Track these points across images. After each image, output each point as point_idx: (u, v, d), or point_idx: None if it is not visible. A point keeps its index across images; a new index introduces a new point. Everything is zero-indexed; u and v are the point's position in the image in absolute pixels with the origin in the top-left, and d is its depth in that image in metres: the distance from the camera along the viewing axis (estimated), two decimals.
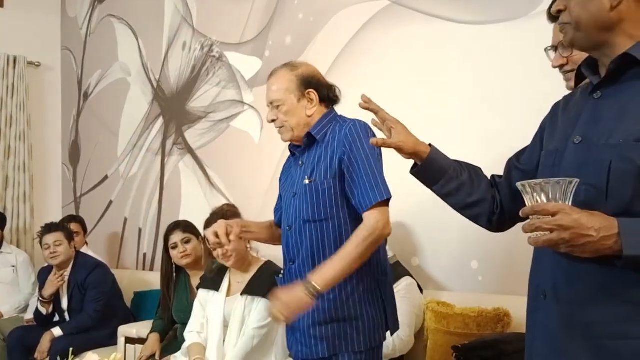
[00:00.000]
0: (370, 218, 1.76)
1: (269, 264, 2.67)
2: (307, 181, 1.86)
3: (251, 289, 2.56)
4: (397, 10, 3.03)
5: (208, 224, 2.67)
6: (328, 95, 1.93)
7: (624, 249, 1.04)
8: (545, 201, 1.08)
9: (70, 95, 4.97)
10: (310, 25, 3.41)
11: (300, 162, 1.94)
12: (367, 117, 3.16)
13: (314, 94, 1.90)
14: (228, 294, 2.64)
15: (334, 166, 1.82)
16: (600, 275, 1.11)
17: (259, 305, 2.52)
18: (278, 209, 2.13)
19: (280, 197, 2.11)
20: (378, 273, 1.87)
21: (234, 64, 3.81)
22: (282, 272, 2.34)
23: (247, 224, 2.14)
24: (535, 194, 1.09)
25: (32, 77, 4.78)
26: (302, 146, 1.94)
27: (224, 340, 2.56)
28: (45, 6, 4.96)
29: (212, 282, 2.71)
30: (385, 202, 1.79)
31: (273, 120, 1.94)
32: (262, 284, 2.55)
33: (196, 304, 2.74)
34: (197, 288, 2.81)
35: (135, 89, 4.45)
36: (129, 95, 4.50)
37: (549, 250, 1.16)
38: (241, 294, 2.57)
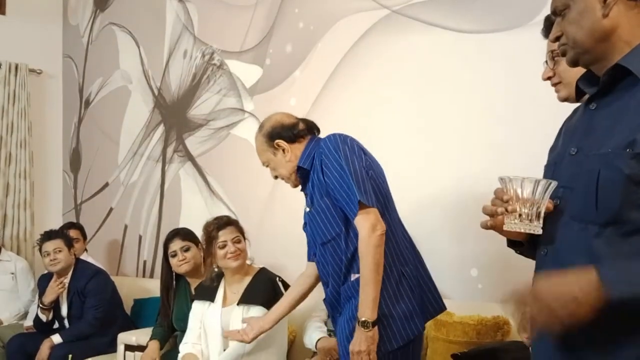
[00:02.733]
0: (359, 228, 1.83)
1: (263, 272, 2.68)
2: (308, 209, 2.01)
3: (247, 298, 2.56)
4: (397, 19, 3.05)
5: (207, 237, 2.66)
6: (294, 134, 2.04)
7: (611, 293, 0.97)
8: (519, 193, 1.15)
9: (72, 103, 4.99)
10: (311, 34, 3.43)
11: (306, 194, 2.06)
12: (365, 122, 3.17)
13: (282, 142, 2.04)
14: (224, 304, 2.63)
15: (323, 186, 1.92)
16: None
17: (252, 311, 2.51)
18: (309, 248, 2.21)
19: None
20: (397, 265, 1.91)
21: (234, 72, 3.82)
22: (277, 277, 2.61)
23: (276, 317, 2.28)
24: (510, 186, 1.17)
25: (33, 85, 4.79)
26: (302, 181, 2.07)
27: (225, 351, 2.55)
28: (46, 14, 4.98)
29: (207, 293, 2.70)
30: (366, 205, 1.83)
31: (276, 177, 2.12)
32: (257, 292, 2.56)
33: (192, 316, 2.73)
34: (192, 300, 2.80)
35: (136, 97, 4.47)
36: (129, 102, 4.52)
37: (548, 263, 1.20)
38: (237, 304, 2.56)
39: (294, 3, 3.52)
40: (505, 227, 1.19)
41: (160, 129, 4.28)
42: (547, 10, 2.52)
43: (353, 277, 1.90)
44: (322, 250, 1.96)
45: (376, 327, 1.81)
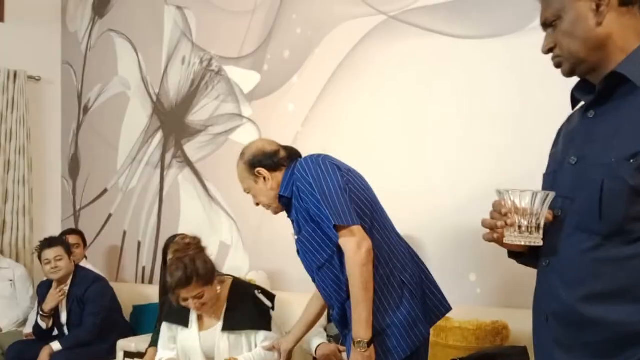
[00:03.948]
0: (344, 249, 1.81)
1: (237, 287, 2.55)
2: (297, 237, 1.98)
3: (231, 324, 2.46)
4: (394, 25, 3.06)
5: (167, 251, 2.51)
6: (275, 162, 2.03)
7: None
8: (517, 205, 1.15)
9: (70, 109, 4.99)
10: (308, 40, 3.44)
11: (292, 221, 2.04)
12: (363, 127, 3.17)
13: (262, 170, 2.03)
14: (201, 329, 2.50)
15: (305, 211, 1.90)
16: (596, 302, 1.13)
17: (241, 337, 2.46)
18: None
19: None
20: (396, 273, 1.89)
21: (232, 78, 3.83)
22: (256, 290, 2.57)
23: (295, 337, 2.31)
24: (508, 198, 1.18)
25: (32, 92, 4.80)
26: (286, 209, 2.05)
27: None
28: (45, 21, 4.99)
29: (178, 316, 2.53)
30: (344, 226, 1.80)
31: (257, 204, 2.12)
32: (241, 316, 2.46)
33: (162, 339, 2.58)
34: (161, 321, 2.64)
35: (134, 103, 4.47)
36: (128, 109, 4.52)
37: (550, 274, 1.20)
38: (222, 330, 2.46)
39: (292, 9, 3.53)
40: (505, 240, 1.18)
41: (159, 134, 4.28)
42: None
43: None
44: (320, 274, 1.94)
45: (372, 346, 1.79)
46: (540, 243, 1.17)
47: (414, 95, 2.97)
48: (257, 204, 2.12)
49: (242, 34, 3.78)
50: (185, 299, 2.41)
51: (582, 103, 1.26)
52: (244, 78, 3.76)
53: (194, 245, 2.48)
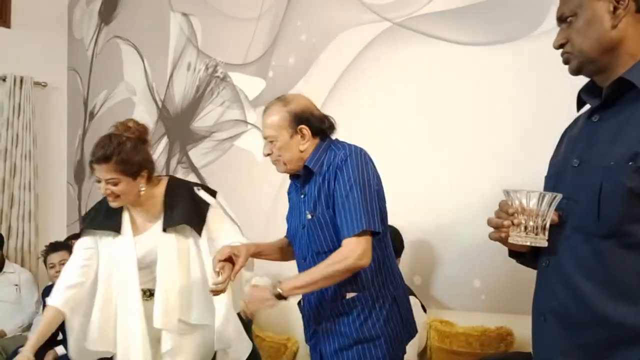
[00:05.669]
0: (347, 245, 1.76)
1: (173, 183, 2.26)
2: (309, 216, 1.88)
3: (171, 220, 2.15)
4: (398, 32, 3.07)
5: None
6: (321, 128, 1.92)
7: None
8: (524, 206, 1.16)
9: (76, 115, 5.02)
10: (313, 47, 3.46)
11: (302, 193, 1.94)
12: (368, 133, 3.19)
13: (306, 130, 1.88)
14: (135, 233, 2.18)
15: (330, 197, 1.84)
16: (593, 303, 1.14)
17: (181, 234, 2.17)
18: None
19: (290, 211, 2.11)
20: (391, 289, 1.89)
21: (237, 84, 3.85)
22: (197, 186, 2.30)
23: (258, 249, 2.20)
24: (515, 199, 1.19)
25: (38, 97, 4.83)
26: (302, 177, 1.95)
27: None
28: (51, 27, 5.03)
29: (106, 221, 2.18)
30: (367, 233, 1.76)
31: (268, 154, 1.95)
32: (180, 210, 2.16)
33: (78, 255, 2.18)
34: (79, 235, 2.30)
35: (140, 109, 4.50)
36: (134, 114, 4.54)
37: (550, 274, 1.21)
38: (164, 231, 2.15)
39: (297, 16, 3.55)
40: (510, 240, 1.19)
41: (164, 140, 4.30)
42: (548, 23, 2.55)
43: (348, 295, 1.85)
44: (315, 258, 1.88)
45: (276, 302, 1.77)
46: (545, 244, 1.18)
47: (419, 102, 2.98)
48: (269, 155, 1.93)
49: (247, 40, 3.80)
50: (99, 180, 2.11)
51: (588, 106, 1.28)
52: (249, 84, 3.78)
53: (136, 132, 2.17)
